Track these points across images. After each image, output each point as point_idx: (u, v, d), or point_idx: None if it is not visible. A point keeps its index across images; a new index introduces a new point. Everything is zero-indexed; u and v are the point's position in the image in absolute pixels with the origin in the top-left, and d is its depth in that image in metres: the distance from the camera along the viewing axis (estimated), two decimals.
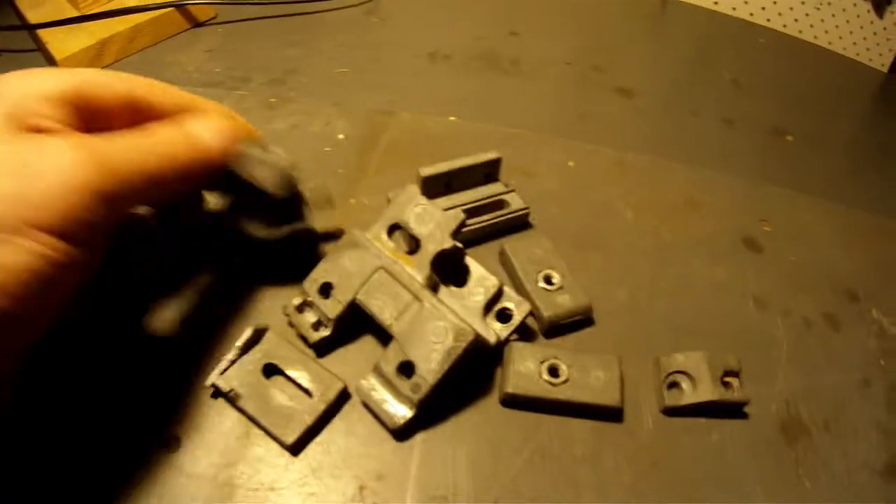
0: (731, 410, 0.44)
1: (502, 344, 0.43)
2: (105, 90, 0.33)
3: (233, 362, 0.40)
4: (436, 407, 0.40)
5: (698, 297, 0.50)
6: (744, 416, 0.44)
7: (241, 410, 0.39)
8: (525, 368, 0.42)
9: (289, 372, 0.40)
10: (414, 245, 0.43)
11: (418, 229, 0.43)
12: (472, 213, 0.49)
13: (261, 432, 0.39)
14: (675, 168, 0.59)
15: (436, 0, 0.79)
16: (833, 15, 0.79)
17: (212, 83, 0.65)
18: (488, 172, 0.51)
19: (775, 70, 0.75)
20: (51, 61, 0.73)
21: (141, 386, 0.40)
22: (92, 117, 0.33)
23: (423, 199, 0.44)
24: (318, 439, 0.39)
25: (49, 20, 0.79)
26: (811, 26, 0.80)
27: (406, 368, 0.39)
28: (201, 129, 0.36)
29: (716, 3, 0.83)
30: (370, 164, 0.55)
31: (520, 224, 0.51)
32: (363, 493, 0.37)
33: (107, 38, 0.74)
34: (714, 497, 0.40)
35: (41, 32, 0.77)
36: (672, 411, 0.43)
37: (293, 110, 0.60)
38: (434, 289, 0.42)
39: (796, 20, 0.80)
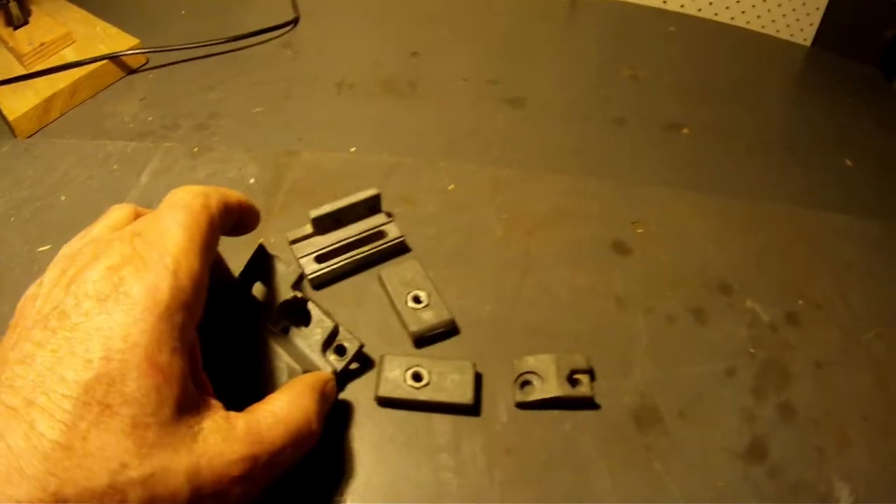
0: (582, 404, 0.58)
1: (338, 373, 0.58)
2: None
3: None
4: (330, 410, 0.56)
5: (558, 302, 0.64)
6: (596, 407, 0.58)
7: None
8: (393, 375, 0.58)
9: None
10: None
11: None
12: (356, 244, 0.66)
13: None
14: (550, 179, 0.73)
15: (345, 27, 0.96)
16: None
17: (145, 132, 0.84)
18: (371, 206, 0.68)
19: (683, 57, 0.90)
20: (3, 120, 0.93)
21: None
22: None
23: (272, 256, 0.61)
24: None
25: None
26: (727, 7, 0.94)
27: None
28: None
29: None
30: (275, 205, 0.71)
31: (398, 250, 0.67)
32: None
33: (51, 96, 0.93)
34: (563, 478, 0.54)
35: None
36: (524, 406, 0.58)
37: (211, 158, 0.76)
38: (285, 331, 0.59)
39: (711, 3, 0.94)
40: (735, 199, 0.75)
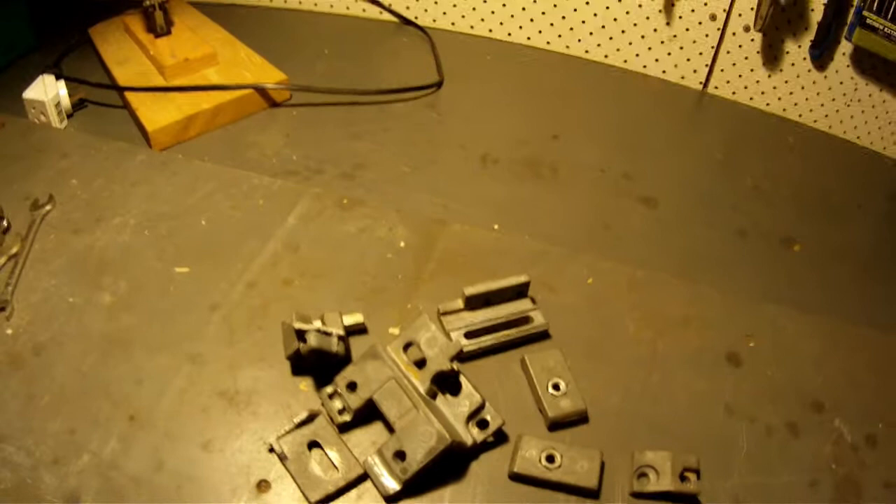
0: (688, 500, 0.69)
1: (478, 445, 0.69)
2: None
3: (288, 432, 0.68)
4: (463, 475, 0.67)
5: (677, 403, 0.75)
6: None
7: (286, 469, 0.67)
8: (529, 454, 0.68)
9: (326, 450, 0.68)
10: (422, 360, 0.71)
11: (426, 351, 0.71)
12: (503, 326, 0.77)
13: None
14: (678, 285, 0.84)
15: (488, 98, 1.07)
16: (863, 111, 1.04)
17: (289, 171, 0.94)
18: (520, 291, 0.79)
19: (800, 170, 1.01)
20: (139, 126, 1.03)
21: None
22: None
23: (433, 327, 0.71)
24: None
25: (134, 80, 1.08)
26: (841, 122, 1.05)
27: (400, 455, 0.66)
28: None
29: (751, 98, 1.09)
30: (425, 272, 0.82)
31: (541, 336, 0.78)
32: None
33: (193, 114, 1.02)
34: None
35: (129, 95, 1.06)
36: (638, 495, 0.69)
37: (362, 213, 0.87)
38: (433, 396, 0.69)
39: (826, 116, 1.06)
40: (835, 320, 0.85)
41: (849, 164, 1.06)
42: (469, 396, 0.71)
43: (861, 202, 1.02)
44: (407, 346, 0.73)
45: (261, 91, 1.04)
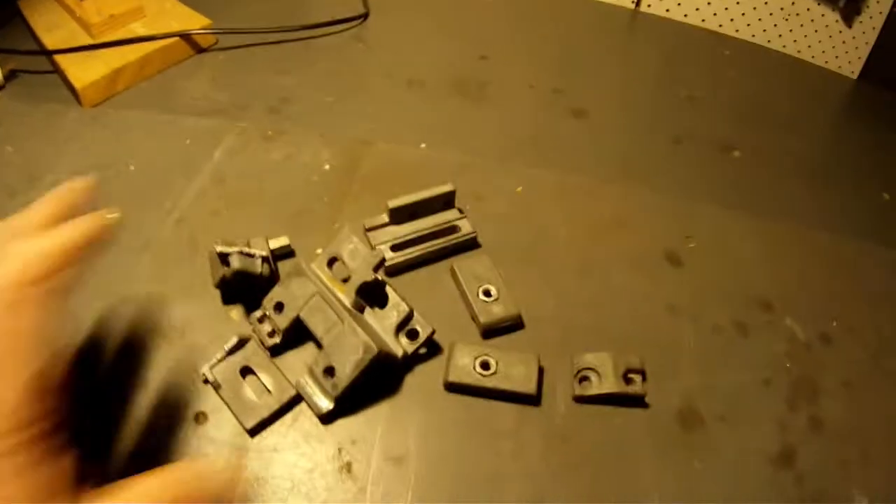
0: (633, 401, 0.66)
1: (409, 356, 0.67)
2: None
3: (220, 361, 0.66)
4: (398, 390, 0.65)
5: (616, 305, 0.73)
6: (645, 406, 0.66)
7: (220, 397, 0.64)
8: (462, 362, 0.66)
9: (259, 375, 0.66)
10: (348, 275, 0.69)
11: (350, 263, 0.68)
12: (429, 237, 0.74)
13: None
14: (610, 189, 0.82)
15: (415, 26, 1.05)
16: (801, 25, 1.02)
17: (216, 111, 0.93)
18: (446, 201, 0.77)
19: (737, 82, 1.00)
20: (70, 87, 1.01)
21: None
22: None
23: (355, 239, 0.68)
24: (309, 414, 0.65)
25: (63, 44, 1.06)
26: (780, 36, 1.04)
27: (330, 371, 0.63)
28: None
29: (686, 15, 1.07)
30: (350, 192, 0.80)
31: (470, 245, 0.75)
32: (341, 453, 0.62)
33: (120, 67, 1.00)
34: (612, 468, 0.62)
35: (58, 58, 1.05)
36: (581, 399, 0.66)
37: (287, 141, 0.85)
38: (360, 310, 0.67)
39: (765, 30, 1.04)
40: (780, 223, 0.84)
41: (789, 76, 1.05)
42: (396, 307, 0.68)
43: (801, 113, 1.01)
44: (331, 262, 0.70)
45: (186, 38, 1.02)
